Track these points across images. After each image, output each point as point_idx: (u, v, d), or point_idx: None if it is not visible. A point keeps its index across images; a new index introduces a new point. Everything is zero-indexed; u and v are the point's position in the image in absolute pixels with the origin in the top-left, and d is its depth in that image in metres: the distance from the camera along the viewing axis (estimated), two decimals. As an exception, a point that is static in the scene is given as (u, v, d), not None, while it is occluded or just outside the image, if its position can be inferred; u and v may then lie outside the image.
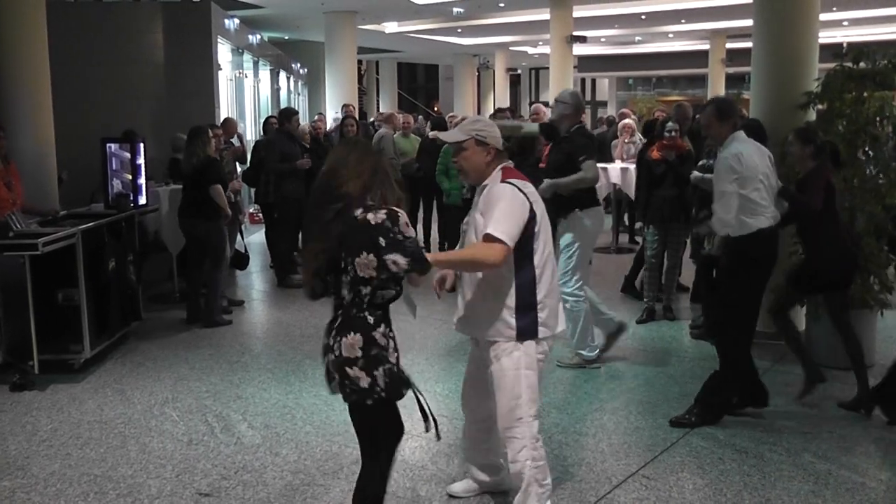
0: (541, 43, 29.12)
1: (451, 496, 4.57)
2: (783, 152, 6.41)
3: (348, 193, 3.35)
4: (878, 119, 6.57)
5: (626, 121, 13.00)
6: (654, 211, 8.12)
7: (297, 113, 10.68)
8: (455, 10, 21.90)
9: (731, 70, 28.79)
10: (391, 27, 25.85)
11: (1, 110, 7.82)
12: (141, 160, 8.38)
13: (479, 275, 4.00)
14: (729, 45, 27.90)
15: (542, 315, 3.97)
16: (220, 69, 13.18)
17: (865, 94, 6.61)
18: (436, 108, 39.30)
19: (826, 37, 14.15)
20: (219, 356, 7.27)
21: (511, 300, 3.95)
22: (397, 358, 3.51)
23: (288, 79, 21.35)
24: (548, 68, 21.44)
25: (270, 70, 19.13)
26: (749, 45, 7.64)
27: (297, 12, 21.14)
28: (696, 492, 4.62)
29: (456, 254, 4.19)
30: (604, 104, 41.95)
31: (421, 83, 47.25)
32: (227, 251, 8.46)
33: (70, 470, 4.97)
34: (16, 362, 6.53)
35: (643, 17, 23.80)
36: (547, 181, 6.46)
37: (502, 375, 3.99)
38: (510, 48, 33.00)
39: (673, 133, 8.13)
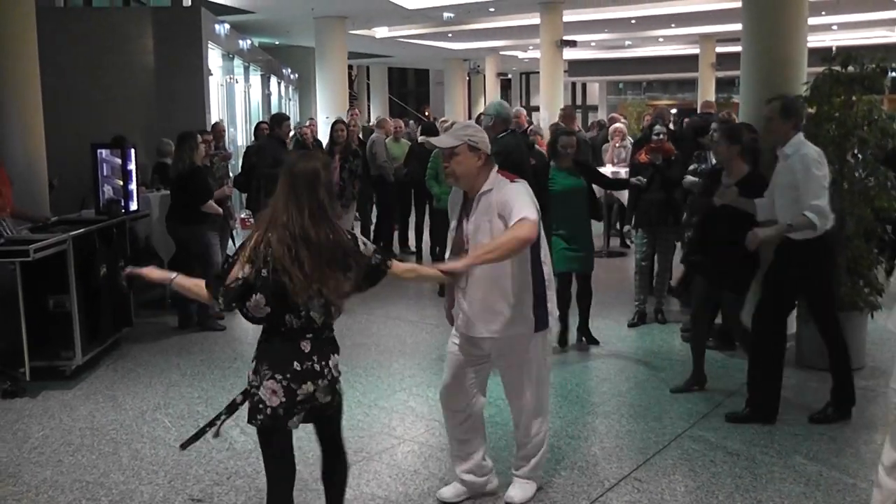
0: (531, 47, 29.17)
1: (442, 502, 4.57)
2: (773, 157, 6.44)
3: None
4: (866, 122, 6.61)
5: (617, 125, 13.02)
6: (641, 214, 8.15)
7: (287, 118, 10.71)
8: (445, 14, 21.91)
9: (721, 74, 28.91)
10: (381, 32, 25.86)
11: (-9, 117, 7.81)
12: (132, 166, 8.37)
13: (495, 276, 4.08)
14: (719, 49, 27.99)
15: (550, 305, 4.22)
16: (211, 75, 13.17)
17: (854, 98, 6.63)
18: (426, 113, 39.30)
19: (815, 41, 14.21)
20: (210, 362, 7.26)
21: (528, 294, 4.13)
22: None
23: (279, 84, 21.36)
24: (538, 73, 21.49)
25: (261, 75, 19.13)
26: (739, 49, 7.67)
27: (288, 18, 21.15)
28: (688, 494, 4.63)
29: (491, 246, 3.86)
30: (594, 108, 42.10)
31: (411, 88, 47.27)
32: (215, 256, 8.44)
33: (62, 477, 4.96)
34: (7, 369, 6.51)
35: (633, 21, 23.86)
36: None
37: (532, 367, 4.24)
38: (500, 53, 33.04)
39: (661, 136, 8.16)
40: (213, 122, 12.24)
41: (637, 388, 6.52)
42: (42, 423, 5.83)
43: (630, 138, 12.65)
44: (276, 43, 26.31)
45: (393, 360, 7.20)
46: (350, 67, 30.02)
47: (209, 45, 12.97)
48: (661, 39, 29.51)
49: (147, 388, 6.57)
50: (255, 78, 18.68)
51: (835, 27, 24.12)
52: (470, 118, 35.37)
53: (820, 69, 6.93)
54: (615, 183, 9.09)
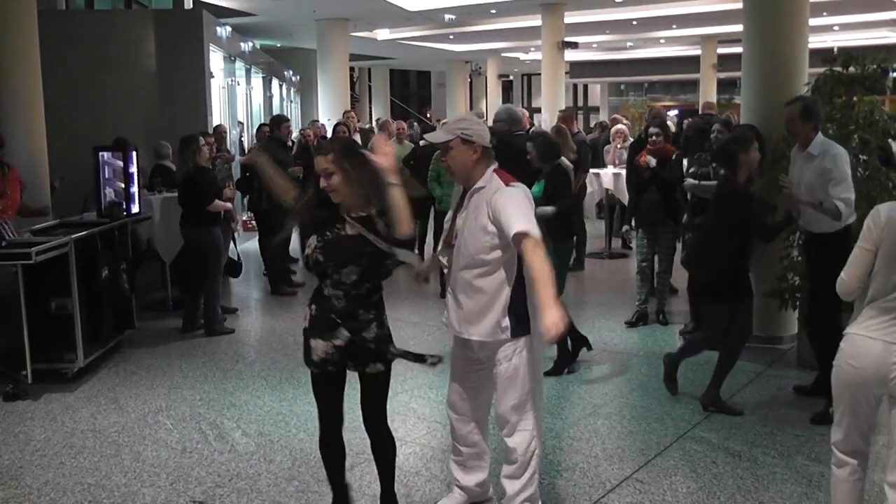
0: (532, 49, 29.19)
1: None
2: (773, 158, 6.46)
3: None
4: (867, 123, 6.60)
5: (619, 126, 13.03)
6: (641, 215, 8.18)
7: (287, 120, 10.72)
8: (447, 16, 21.93)
9: (723, 75, 28.89)
10: (383, 34, 25.87)
11: (-6, 119, 7.83)
12: (133, 168, 8.38)
13: (475, 277, 4.00)
14: (720, 51, 27.98)
15: (532, 312, 3.97)
16: (213, 77, 13.18)
17: (855, 99, 6.63)
18: (428, 115, 39.33)
19: (816, 41, 14.21)
20: (212, 364, 7.26)
21: (503, 299, 3.96)
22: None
23: (280, 86, 21.36)
24: (540, 74, 21.49)
25: (263, 78, 19.14)
26: (740, 50, 7.67)
27: (289, 20, 21.17)
28: (689, 495, 4.63)
29: (541, 282, 3.62)
30: (596, 110, 42.09)
31: (413, 90, 47.28)
32: (221, 258, 8.46)
33: (64, 479, 4.96)
34: (9, 372, 6.52)
35: (635, 22, 23.86)
36: None
37: (514, 372, 3.99)
38: (502, 54, 33.05)
39: (654, 138, 8.20)
40: (214, 124, 12.26)
41: (639, 389, 6.52)
42: (44, 426, 5.83)
43: (632, 139, 12.68)
44: (278, 45, 26.33)
45: (395, 362, 7.18)
46: (352, 69, 30.01)
47: (211, 48, 12.98)
48: (662, 41, 29.50)
49: (149, 391, 6.58)
50: (257, 80, 18.69)
51: (836, 28, 24.12)
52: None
53: (821, 70, 6.93)
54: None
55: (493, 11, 21.77)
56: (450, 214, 4.23)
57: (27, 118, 8.04)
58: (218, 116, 13.71)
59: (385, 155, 3.83)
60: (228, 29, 14.75)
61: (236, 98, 16.43)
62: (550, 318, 3.47)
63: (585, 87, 43.74)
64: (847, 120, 6.58)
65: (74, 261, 6.77)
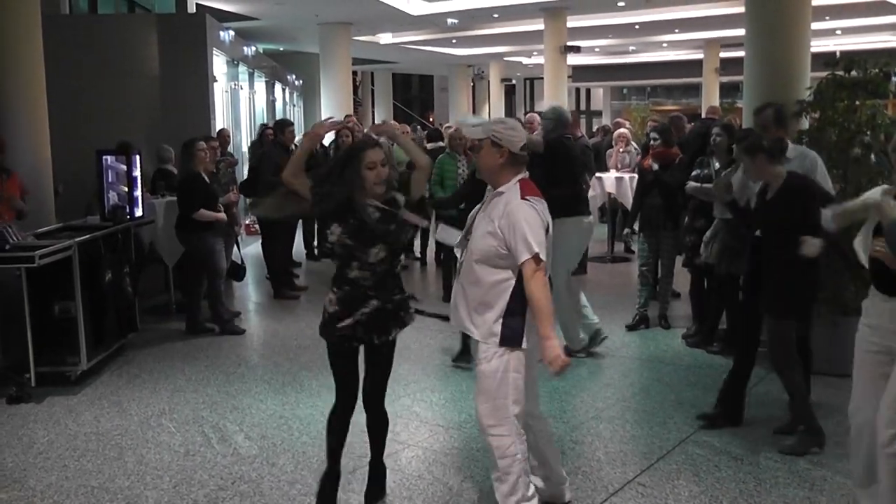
0: (535, 53, 29.21)
1: None
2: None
3: None
4: (869, 127, 6.61)
5: (621, 130, 13.05)
6: (644, 219, 8.21)
7: (291, 124, 10.71)
8: (449, 21, 21.96)
9: (726, 79, 28.92)
10: (386, 38, 25.93)
11: (-3, 123, 7.85)
12: (137, 172, 8.39)
13: (481, 271, 4.05)
14: (723, 55, 28.02)
15: (527, 326, 4.00)
16: (216, 81, 13.18)
17: (857, 103, 6.64)
18: (431, 119, 39.35)
19: (819, 46, 14.22)
20: (215, 367, 7.27)
21: (498, 306, 3.99)
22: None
23: (283, 90, 21.35)
24: (542, 78, 21.51)
25: (266, 82, 19.13)
26: (743, 53, 7.69)
27: (292, 24, 21.21)
28: (692, 499, 4.63)
29: (543, 311, 3.87)
30: (598, 114, 42.12)
31: (416, 94, 47.33)
32: (217, 262, 8.46)
33: (67, 482, 4.97)
34: (12, 375, 6.53)
35: (637, 27, 23.89)
36: None
37: (491, 376, 4.02)
38: (505, 58, 33.09)
39: (652, 142, 8.27)
40: (218, 128, 12.27)
41: (641, 392, 6.52)
42: (47, 429, 5.84)
43: (634, 143, 12.69)
44: (281, 49, 26.37)
45: (398, 365, 7.09)
46: (354, 73, 30.09)
47: (214, 52, 12.98)
48: (665, 45, 29.52)
49: (152, 394, 6.59)
50: (260, 84, 18.69)
51: (839, 32, 24.13)
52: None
53: (823, 74, 6.94)
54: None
55: (496, 15, 21.82)
56: (474, 210, 4.27)
57: (31, 122, 8.05)
58: (221, 120, 13.72)
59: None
60: (231, 33, 14.76)
61: (239, 102, 16.44)
62: (552, 352, 3.79)
63: (588, 91, 43.79)
64: (849, 124, 6.59)
65: (78, 264, 6.78)
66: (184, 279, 8.81)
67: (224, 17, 17.33)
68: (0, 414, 6.14)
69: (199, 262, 8.24)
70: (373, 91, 39.39)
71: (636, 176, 9.63)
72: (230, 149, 12.59)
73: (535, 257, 3.84)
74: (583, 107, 43.65)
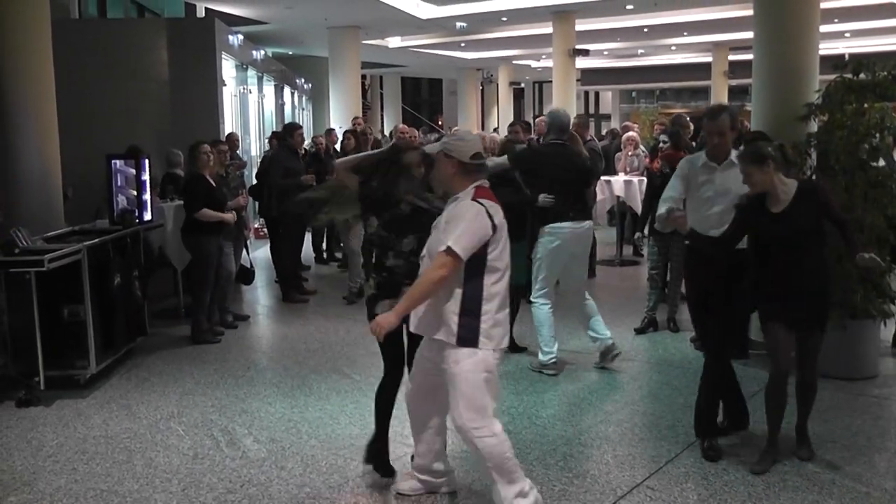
0: (544, 56, 29.19)
1: (398, 493, 4.77)
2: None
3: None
4: (878, 130, 6.59)
5: (630, 133, 13.03)
6: (653, 222, 8.18)
7: (300, 127, 10.73)
8: (458, 24, 21.97)
9: (734, 82, 28.84)
10: (395, 42, 25.94)
11: (6, 127, 7.86)
12: (146, 176, 8.42)
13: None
14: (731, 58, 27.95)
15: (483, 326, 4.12)
16: (225, 85, 13.23)
17: (866, 106, 6.62)
18: (440, 123, 39.36)
19: (828, 48, 14.18)
20: (224, 371, 7.29)
21: (456, 306, 4.13)
22: None
23: (292, 94, 21.41)
24: (551, 82, 21.50)
25: (275, 85, 19.20)
26: (751, 56, 7.67)
27: (301, 28, 21.23)
28: (700, 502, 4.62)
29: (412, 293, 4.16)
30: (607, 117, 42.03)
31: (425, 97, 47.31)
32: (228, 265, 8.48)
33: (76, 485, 4.99)
34: (22, 378, 6.55)
35: (646, 30, 23.86)
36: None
37: (464, 377, 4.13)
38: (513, 62, 33.08)
39: (661, 145, 8.26)
40: (227, 132, 12.30)
41: (650, 396, 6.51)
42: (56, 432, 5.86)
43: (643, 146, 12.68)
44: (290, 53, 26.41)
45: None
46: (363, 77, 30.12)
47: (223, 56, 13.04)
48: (673, 48, 29.48)
49: (161, 397, 6.60)
50: (269, 88, 18.75)
51: (847, 34, 24.06)
52: (483, 128, 35.53)
53: (832, 77, 6.93)
54: None
55: (505, 19, 21.81)
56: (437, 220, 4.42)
57: (40, 126, 8.07)
58: (230, 124, 13.76)
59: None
60: (240, 37, 14.81)
61: (248, 106, 16.49)
62: (384, 317, 4.11)
63: (597, 94, 43.70)
64: (858, 127, 6.57)
65: (87, 268, 6.80)
66: (191, 284, 8.83)
67: (233, 21, 17.37)
68: (9, 417, 6.17)
69: (194, 263, 8.27)
70: (382, 95, 39.39)
71: (644, 179, 9.64)
72: (239, 152, 12.61)
73: (453, 254, 4.00)
74: (591, 110, 43.59)
